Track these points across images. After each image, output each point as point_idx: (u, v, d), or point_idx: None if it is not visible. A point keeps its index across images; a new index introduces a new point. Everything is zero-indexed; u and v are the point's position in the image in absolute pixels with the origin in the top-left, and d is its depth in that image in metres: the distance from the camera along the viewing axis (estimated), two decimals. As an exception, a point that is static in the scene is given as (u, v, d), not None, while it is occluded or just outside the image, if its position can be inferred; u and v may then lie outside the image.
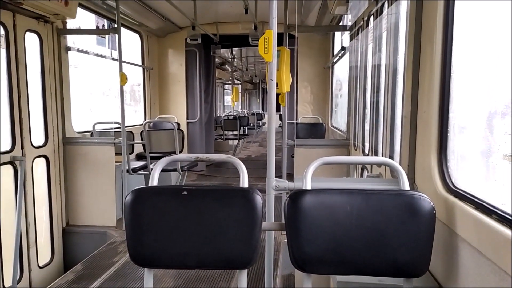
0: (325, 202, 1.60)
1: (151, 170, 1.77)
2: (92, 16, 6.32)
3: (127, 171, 4.90)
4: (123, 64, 4.64)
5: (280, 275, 3.78)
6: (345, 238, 1.57)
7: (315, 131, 6.82)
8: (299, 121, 7.25)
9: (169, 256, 1.65)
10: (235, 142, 11.49)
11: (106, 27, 7.25)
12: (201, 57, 7.80)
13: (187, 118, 7.84)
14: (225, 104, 22.48)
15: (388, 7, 2.98)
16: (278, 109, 2.68)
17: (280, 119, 4.73)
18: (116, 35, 4.62)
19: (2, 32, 3.83)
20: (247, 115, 13.84)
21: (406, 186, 1.69)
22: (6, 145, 3.93)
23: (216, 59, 10.62)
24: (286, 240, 1.65)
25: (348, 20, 4.98)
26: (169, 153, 5.16)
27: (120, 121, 4.70)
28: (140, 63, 7.19)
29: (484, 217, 1.40)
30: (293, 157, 4.90)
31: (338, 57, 5.89)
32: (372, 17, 3.55)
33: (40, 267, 4.36)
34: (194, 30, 6.27)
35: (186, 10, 5.66)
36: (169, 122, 5.69)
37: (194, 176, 8.04)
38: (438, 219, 1.60)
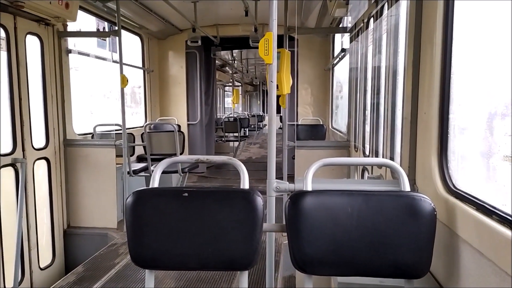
0: (326, 203, 1.60)
1: (152, 172, 1.78)
2: (92, 19, 6.34)
3: (128, 173, 4.91)
4: (123, 66, 4.65)
5: (281, 276, 3.77)
6: (345, 239, 1.58)
7: (315, 132, 6.82)
8: (299, 123, 7.25)
9: (170, 258, 1.65)
10: (236, 144, 11.50)
11: (106, 29, 7.29)
12: (201, 59, 7.81)
13: (188, 120, 7.85)
14: (225, 106, 22.47)
15: (388, 9, 2.99)
16: (278, 111, 2.68)
17: (281, 121, 4.73)
18: (117, 38, 4.64)
19: (3, 34, 3.85)
20: (247, 117, 13.85)
21: (407, 187, 1.69)
22: (7, 147, 3.94)
23: (217, 61, 10.64)
24: (287, 241, 1.65)
25: (348, 22, 4.99)
26: (170, 155, 5.16)
27: (120, 123, 4.71)
28: (141, 65, 7.21)
29: (485, 218, 1.40)
30: (293, 158, 4.90)
31: (338, 59, 5.90)
32: (372, 19, 3.55)
33: (41, 269, 4.36)
34: (194, 32, 6.27)
35: (186, 13, 5.68)
36: (170, 124, 5.70)
37: (195, 178, 8.04)
38: (438, 220, 1.61)
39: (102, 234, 4.77)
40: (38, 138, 4.39)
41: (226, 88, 21.09)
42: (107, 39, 8.34)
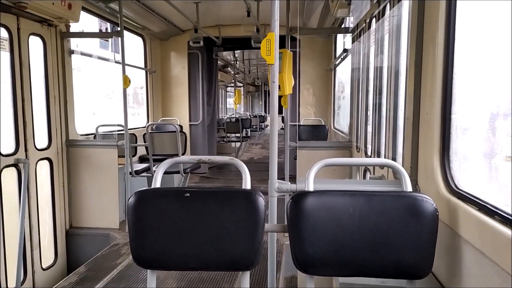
0: (328, 203, 1.60)
1: (154, 172, 1.78)
2: (95, 20, 6.36)
3: (130, 173, 4.92)
4: (126, 67, 4.66)
5: (282, 277, 3.77)
6: (347, 240, 1.57)
7: (317, 133, 6.82)
8: (301, 123, 7.25)
9: (172, 258, 1.65)
10: (238, 144, 11.50)
11: (109, 30, 7.30)
12: (203, 59, 7.83)
13: (190, 121, 7.85)
14: (227, 106, 22.50)
15: (390, 9, 2.98)
16: (280, 111, 2.69)
17: (283, 121, 4.73)
18: (119, 38, 4.65)
19: (6, 35, 3.86)
20: (249, 118, 13.88)
21: (409, 188, 1.69)
22: (10, 148, 3.95)
23: (219, 62, 10.64)
24: (288, 242, 1.65)
25: (350, 22, 4.98)
26: (172, 156, 5.17)
27: (123, 123, 4.72)
28: (143, 66, 7.22)
29: (487, 219, 1.40)
30: (295, 159, 4.90)
31: (340, 59, 5.90)
32: (374, 19, 3.55)
33: (43, 269, 4.37)
34: (196, 33, 6.28)
35: (188, 13, 5.69)
36: (172, 125, 5.71)
37: (197, 178, 8.05)
38: (441, 221, 1.60)
39: (104, 234, 4.78)
40: (41, 139, 4.40)
41: (228, 88, 21.13)
42: (110, 39, 8.35)
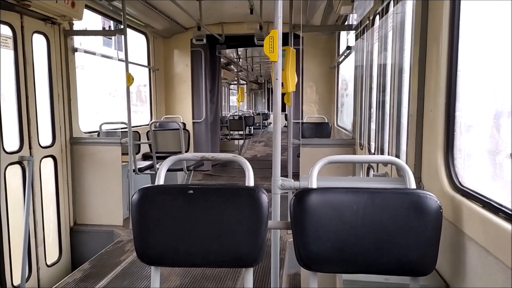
0: (331, 201, 1.60)
1: (157, 169, 1.79)
2: (98, 18, 6.36)
3: (134, 170, 4.93)
4: (129, 65, 4.67)
5: (286, 274, 3.78)
6: (351, 237, 1.57)
7: (320, 130, 6.81)
8: (304, 121, 7.25)
9: (175, 254, 1.66)
10: (241, 142, 11.51)
11: (112, 28, 7.30)
12: (206, 57, 7.83)
13: (193, 118, 7.86)
14: (230, 104, 22.51)
15: (393, 6, 2.97)
16: (283, 109, 2.68)
17: (286, 119, 4.73)
18: (122, 36, 4.66)
19: (10, 33, 3.88)
20: (252, 115, 13.86)
21: (413, 185, 1.69)
22: (14, 145, 3.97)
23: (222, 59, 10.64)
24: (292, 239, 1.65)
25: (353, 19, 4.96)
26: (175, 153, 5.18)
27: (126, 121, 4.74)
28: (146, 64, 7.23)
29: (491, 216, 1.40)
30: (298, 156, 4.90)
31: (343, 56, 5.88)
32: (377, 16, 3.54)
33: (48, 266, 4.40)
34: (199, 31, 6.28)
35: (191, 11, 5.68)
36: (175, 122, 5.72)
37: (200, 175, 8.07)
38: (444, 218, 1.60)
39: (108, 231, 4.81)
40: (45, 136, 4.42)
41: (231, 86, 21.12)
42: (113, 37, 8.37)
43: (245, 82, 20.86)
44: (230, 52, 11.79)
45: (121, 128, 5.32)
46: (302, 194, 1.62)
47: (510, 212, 1.33)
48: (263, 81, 23.35)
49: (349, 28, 5.23)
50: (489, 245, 1.40)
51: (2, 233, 3.54)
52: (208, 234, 1.64)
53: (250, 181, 1.74)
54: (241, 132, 10.91)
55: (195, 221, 1.64)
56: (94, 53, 5.64)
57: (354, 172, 4.24)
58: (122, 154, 4.85)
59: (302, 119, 7.16)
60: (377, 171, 3.29)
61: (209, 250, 1.64)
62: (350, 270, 1.64)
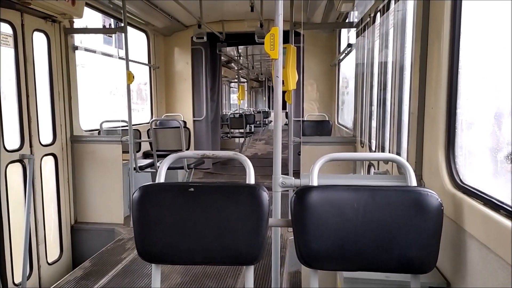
0: (332, 198, 1.60)
1: (158, 167, 1.79)
2: (99, 16, 6.36)
3: (134, 169, 4.94)
4: (129, 63, 4.66)
5: (286, 272, 3.78)
6: (351, 234, 1.57)
7: (321, 128, 6.81)
8: (305, 119, 7.24)
9: (176, 252, 1.66)
10: (242, 140, 11.50)
11: (112, 26, 7.29)
12: (207, 55, 7.82)
13: (194, 116, 7.86)
14: (231, 102, 22.49)
15: (395, 3, 2.96)
16: (284, 107, 2.68)
17: (286, 117, 4.72)
18: (123, 34, 4.65)
19: (11, 31, 3.87)
20: (253, 113, 13.85)
21: (414, 183, 1.68)
22: (15, 144, 3.97)
23: (222, 57, 10.63)
24: (292, 237, 1.65)
25: (354, 16, 4.95)
26: (176, 151, 5.18)
27: (127, 119, 4.73)
28: (147, 62, 7.23)
29: (492, 213, 1.39)
30: (299, 154, 4.90)
31: (344, 54, 5.87)
32: (378, 14, 3.52)
33: (49, 264, 4.41)
34: (200, 29, 6.27)
35: (192, 9, 5.67)
36: (176, 120, 5.72)
37: (201, 174, 8.07)
38: (445, 215, 1.60)
39: (109, 229, 4.81)
40: (46, 134, 4.43)
41: (232, 84, 21.10)
42: (113, 35, 8.36)
43: (245, 80, 20.83)
44: (231, 50, 11.78)
45: (122, 126, 5.33)
46: (303, 192, 1.62)
47: (511, 210, 1.33)
48: (264, 79, 23.35)
49: (350, 25, 5.22)
50: (490, 243, 1.39)
51: (3, 232, 3.54)
52: (208, 232, 1.64)
53: (250, 179, 1.73)
54: (241, 130, 10.91)
55: (196, 219, 1.64)
56: (94, 51, 5.64)
57: (355, 170, 4.24)
58: (123, 152, 4.85)
59: (302, 117, 7.17)
60: (378, 169, 3.28)
61: (209, 248, 1.64)
62: (351, 267, 1.63)
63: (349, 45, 5.27)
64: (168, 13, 6.59)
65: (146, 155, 6.40)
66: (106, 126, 5.57)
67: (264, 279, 3.52)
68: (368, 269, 1.62)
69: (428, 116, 2.06)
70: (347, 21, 5.53)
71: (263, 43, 1.90)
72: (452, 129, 1.83)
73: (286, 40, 2.40)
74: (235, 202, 1.64)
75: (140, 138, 5.80)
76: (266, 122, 17.25)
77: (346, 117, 6.54)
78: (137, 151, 5.58)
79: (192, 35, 7.16)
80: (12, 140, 3.91)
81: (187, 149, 5.45)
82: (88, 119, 5.39)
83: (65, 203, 4.71)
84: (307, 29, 6.17)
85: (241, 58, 13.41)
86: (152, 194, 1.68)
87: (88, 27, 5.95)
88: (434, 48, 1.98)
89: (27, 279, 3.92)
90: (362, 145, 4.33)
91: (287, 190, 2.06)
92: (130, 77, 4.60)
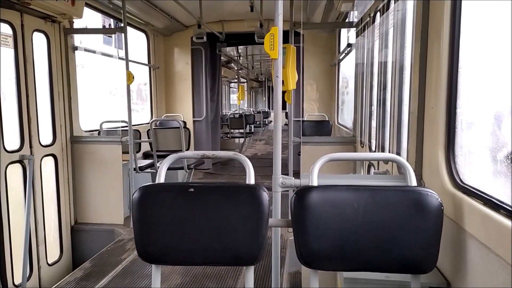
0: (332, 198, 1.60)
1: (158, 168, 1.78)
2: (98, 16, 6.36)
3: (134, 169, 4.94)
4: (129, 63, 4.66)
5: (287, 272, 3.78)
6: (352, 235, 1.57)
7: (321, 128, 6.81)
8: (305, 119, 7.24)
9: (176, 253, 1.65)
10: (241, 140, 11.50)
11: (112, 26, 7.29)
12: (207, 55, 7.82)
13: (193, 117, 7.86)
14: (231, 102, 22.50)
15: (394, 3, 2.96)
16: (284, 107, 2.68)
17: (286, 117, 4.72)
18: (123, 34, 4.65)
19: (10, 32, 3.87)
20: (253, 113, 13.86)
21: (414, 182, 1.68)
22: (15, 144, 3.97)
23: (222, 58, 10.62)
24: (292, 237, 1.65)
25: (354, 16, 4.95)
26: (176, 151, 5.17)
27: (127, 120, 4.73)
28: (146, 62, 7.23)
29: (492, 213, 1.39)
30: (299, 154, 4.90)
31: (344, 54, 5.87)
32: (378, 13, 3.52)
33: (49, 265, 4.40)
34: (199, 29, 6.27)
35: (192, 9, 5.67)
36: (176, 121, 5.72)
37: (201, 174, 8.07)
38: (445, 215, 1.59)
39: (109, 230, 4.81)
40: (45, 135, 4.42)
41: (232, 84, 21.10)
42: (113, 36, 8.36)
43: (245, 80, 20.83)
44: (231, 50, 11.78)
45: (122, 127, 5.32)
46: (303, 192, 1.62)
47: (511, 209, 1.32)
48: (264, 79, 23.35)
49: (349, 25, 5.22)
50: (490, 243, 1.39)
51: (3, 232, 3.54)
52: (208, 232, 1.63)
53: (250, 179, 1.73)
54: (241, 131, 10.91)
55: (196, 219, 1.64)
56: (94, 52, 5.64)
57: (355, 170, 4.24)
58: (123, 152, 4.85)
59: (302, 117, 7.16)
60: (378, 169, 3.28)
61: (210, 248, 1.64)
62: (351, 268, 1.63)
63: (349, 45, 5.27)
64: (168, 13, 6.60)
65: (146, 156, 6.40)
66: (106, 126, 5.57)
67: (264, 279, 3.52)
68: (368, 269, 1.62)
69: (428, 116, 2.06)
70: (347, 21, 5.53)
71: (263, 43, 1.90)
72: (452, 129, 1.83)
73: (286, 40, 2.41)
74: (235, 203, 1.64)
75: (140, 139, 5.80)
76: (266, 122, 17.26)
77: (346, 117, 6.54)
78: (137, 152, 5.58)
79: (192, 35, 7.16)
80: (12, 140, 3.90)
81: (187, 150, 5.45)
82: (88, 119, 5.39)
83: (65, 204, 4.71)
84: (306, 29, 6.17)
85: (241, 58, 13.41)
86: (152, 195, 1.67)
87: (88, 27, 5.95)
88: (434, 48, 1.98)
89: (27, 280, 3.92)
90: (362, 145, 4.33)
91: (287, 190, 2.06)
92: (130, 78, 4.60)
